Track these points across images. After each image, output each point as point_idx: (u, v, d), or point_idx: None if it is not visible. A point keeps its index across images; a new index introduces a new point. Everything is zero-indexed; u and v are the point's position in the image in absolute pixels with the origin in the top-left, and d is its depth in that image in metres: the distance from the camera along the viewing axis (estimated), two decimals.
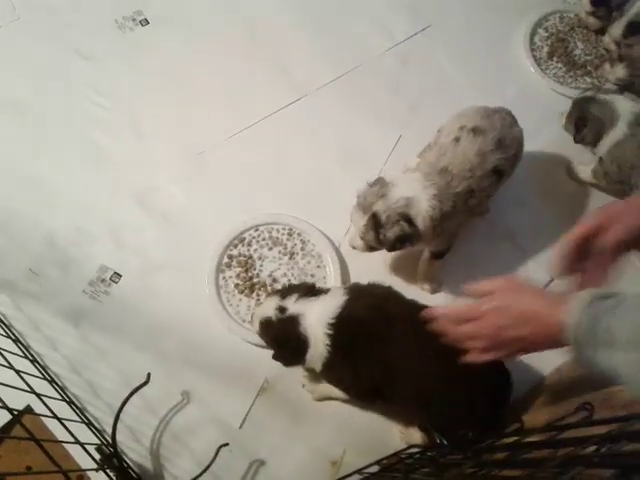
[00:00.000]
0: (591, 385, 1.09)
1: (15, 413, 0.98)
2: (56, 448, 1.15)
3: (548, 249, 1.57)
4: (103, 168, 1.56)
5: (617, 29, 1.78)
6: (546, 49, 1.89)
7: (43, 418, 1.18)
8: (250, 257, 1.47)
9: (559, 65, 1.87)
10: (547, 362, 1.41)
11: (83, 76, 1.67)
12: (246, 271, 1.45)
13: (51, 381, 1.26)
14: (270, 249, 1.49)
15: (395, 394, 1.16)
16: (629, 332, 0.67)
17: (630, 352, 0.67)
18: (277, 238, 1.50)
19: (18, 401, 1.16)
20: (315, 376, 1.30)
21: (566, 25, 1.93)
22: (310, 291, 1.18)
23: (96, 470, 1.13)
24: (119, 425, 1.20)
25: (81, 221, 1.49)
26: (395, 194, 1.24)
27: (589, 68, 1.87)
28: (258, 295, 1.43)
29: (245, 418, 1.32)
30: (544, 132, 1.67)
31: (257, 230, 1.50)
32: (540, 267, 1.54)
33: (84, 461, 1.16)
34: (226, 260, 1.46)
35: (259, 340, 1.37)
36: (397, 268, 1.49)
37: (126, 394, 1.22)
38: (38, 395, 1.11)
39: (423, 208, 1.23)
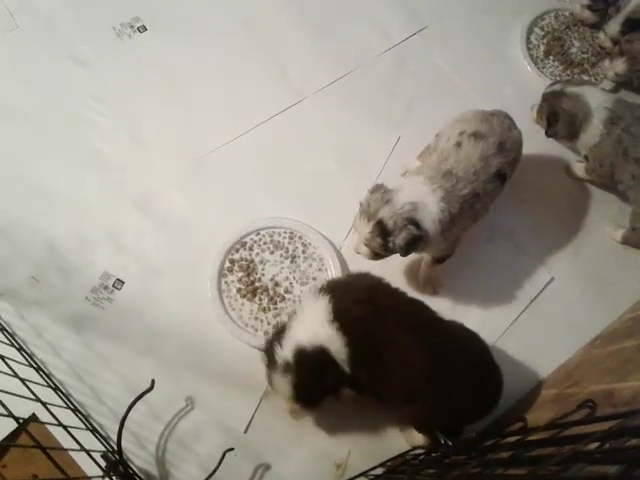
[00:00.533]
0: (593, 383, 1.09)
1: (21, 421, 0.99)
2: (62, 456, 1.16)
3: (547, 248, 1.58)
4: (103, 174, 1.57)
5: (614, 26, 1.78)
6: (542, 48, 1.89)
7: (48, 426, 1.17)
8: (252, 261, 1.48)
9: (556, 64, 1.87)
10: (548, 360, 1.41)
11: (82, 83, 1.68)
12: (248, 275, 1.46)
13: (55, 389, 1.26)
14: (272, 253, 1.49)
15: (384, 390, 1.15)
16: None
17: None
18: (278, 242, 1.51)
19: (23, 409, 1.17)
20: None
21: (562, 24, 1.94)
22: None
23: (102, 477, 1.13)
24: (124, 432, 1.20)
25: (82, 227, 1.49)
26: (400, 199, 1.24)
27: (586, 66, 1.88)
28: (260, 299, 1.44)
29: (250, 422, 1.32)
30: (542, 131, 1.67)
31: (258, 234, 1.51)
32: (539, 266, 1.55)
33: (90, 468, 1.16)
34: (228, 265, 1.46)
35: (262, 344, 1.38)
36: (398, 269, 1.50)
37: (130, 400, 1.22)
38: (43, 403, 1.11)
39: (432, 211, 1.23)
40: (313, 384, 1.13)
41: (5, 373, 1.14)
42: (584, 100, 1.51)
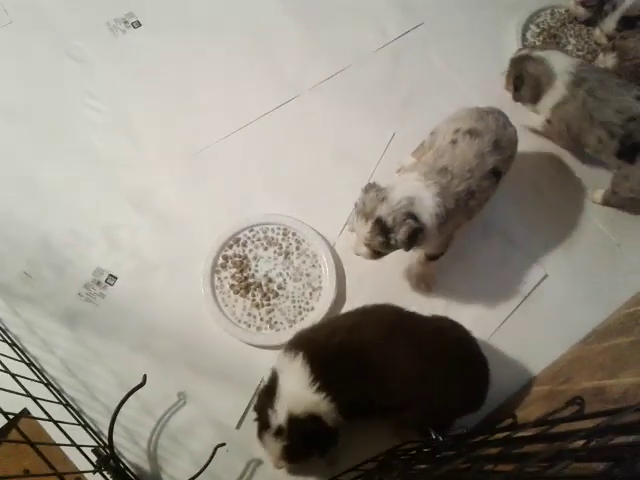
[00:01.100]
0: (584, 379, 1.09)
1: (11, 417, 0.99)
2: (53, 451, 1.16)
3: (541, 245, 1.58)
4: (97, 169, 1.56)
5: (610, 23, 1.79)
6: (538, 45, 1.89)
7: (40, 421, 1.18)
8: (245, 257, 1.47)
9: None
10: (541, 357, 1.42)
11: (76, 79, 1.67)
12: (241, 271, 1.46)
13: (47, 384, 1.26)
14: (265, 249, 1.49)
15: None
16: None
17: None
18: (272, 238, 1.50)
19: (14, 405, 1.17)
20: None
21: (558, 21, 1.93)
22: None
23: (93, 472, 1.13)
24: (116, 427, 1.20)
25: (76, 223, 1.49)
26: (396, 196, 1.23)
27: None
28: (254, 295, 1.44)
29: (242, 418, 1.32)
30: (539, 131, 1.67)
31: (252, 230, 1.51)
32: (533, 263, 1.55)
33: (81, 463, 1.16)
34: (221, 261, 1.46)
35: (255, 340, 1.39)
36: (392, 266, 1.50)
37: (122, 396, 1.22)
38: (34, 398, 1.11)
39: (429, 205, 1.24)
40: (305, 450, 1.17)
41: None
42: (548, 63, 1.52)
